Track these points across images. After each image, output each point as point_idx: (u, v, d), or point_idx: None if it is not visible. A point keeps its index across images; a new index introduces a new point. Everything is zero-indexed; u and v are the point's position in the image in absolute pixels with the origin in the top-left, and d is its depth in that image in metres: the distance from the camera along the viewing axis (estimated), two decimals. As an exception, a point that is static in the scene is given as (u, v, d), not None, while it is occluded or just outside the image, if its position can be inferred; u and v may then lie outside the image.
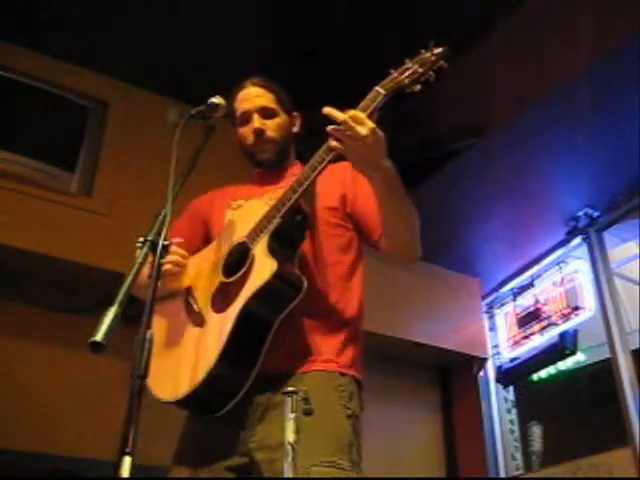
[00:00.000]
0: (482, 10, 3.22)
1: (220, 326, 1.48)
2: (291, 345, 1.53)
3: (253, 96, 1.80)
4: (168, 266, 1.53)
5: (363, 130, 1.37)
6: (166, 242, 1.22)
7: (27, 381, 3.05)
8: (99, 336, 1.02)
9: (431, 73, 1.43)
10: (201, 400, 1.49)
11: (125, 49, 3.38)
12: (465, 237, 4.20)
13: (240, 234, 1.59)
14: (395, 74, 1.45)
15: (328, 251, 1.64)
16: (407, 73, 1.44)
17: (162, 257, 1.21)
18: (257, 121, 1.76)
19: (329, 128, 1.40)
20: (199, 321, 1.56)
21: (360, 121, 1.38)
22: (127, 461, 0.97)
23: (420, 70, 1.43)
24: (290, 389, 1.22)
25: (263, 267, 1.47)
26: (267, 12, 3.27)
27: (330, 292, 1.61)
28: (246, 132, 1.79)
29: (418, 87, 1.44)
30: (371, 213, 1.63)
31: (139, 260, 1.19)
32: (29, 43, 3.30)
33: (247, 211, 1.65)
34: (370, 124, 1.38)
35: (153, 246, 1.21)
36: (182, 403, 1.50)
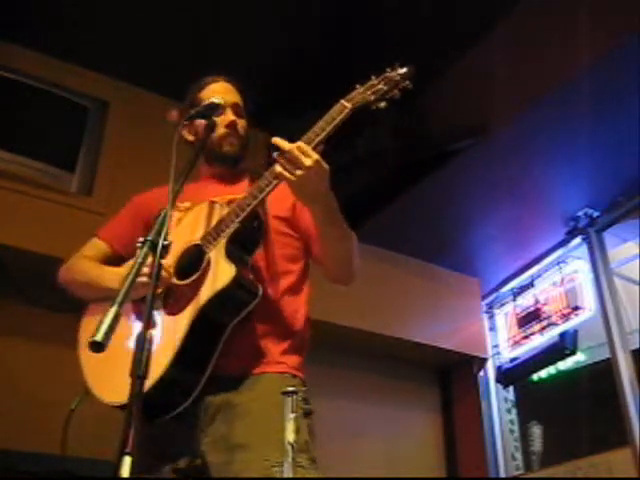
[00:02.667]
0: (482, 10, 3.22)
1: (173, 329, 1.46)
2: (243, 348, 1.53)
3: (228, 91, 1.79)
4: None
5: (307, 161, 1.39)
6: (166, 242, 1.22)
7: (27, 381, 3.05)
8: (99, 336, 1.02)
9: (396, 91, 1.45)
10: (151, 404, 1.42)
11: (125, 49, 3.38)
12: (465, 237, 4.19)
13: (192, 237, 1.58)
14: (361, 89, 1.48)
15: (278, 260, 1.65)
16: (372, 90, 1.46)
17: (162, 257, 1.21)
18: (232, 114, 1.75)
19: (275, 155, 1.42)
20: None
21: (305, 152, 1.39)
22: (127, 461, 0.97)
23: (385, 88, 1.45)
24: (290, 389, 1.21)
25: (222, 272, 1.46)
26: (267, 12, 3.27)
27: (280, 299, 1.62)
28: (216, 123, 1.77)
29: (383, 104, 1.46)
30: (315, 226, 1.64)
31: (139, 260, 1.19)
32: (29, 43, 3.29)
33: (199, 214, 1.62)
34: (314, 155, 1.40)
35: (153, 246, 1.21)
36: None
